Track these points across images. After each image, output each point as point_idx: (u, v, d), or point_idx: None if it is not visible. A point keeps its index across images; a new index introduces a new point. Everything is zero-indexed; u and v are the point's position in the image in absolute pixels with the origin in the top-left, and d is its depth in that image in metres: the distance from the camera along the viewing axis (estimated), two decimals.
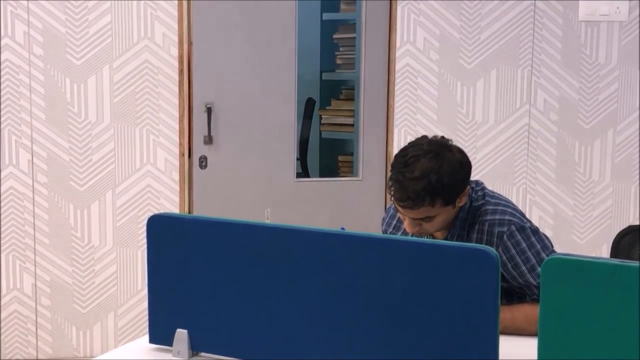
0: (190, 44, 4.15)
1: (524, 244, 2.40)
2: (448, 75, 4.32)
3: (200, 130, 4.22)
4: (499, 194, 2.57)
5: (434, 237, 2.53)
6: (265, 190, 4.34)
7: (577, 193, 4.35)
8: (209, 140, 4.23)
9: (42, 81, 4.07)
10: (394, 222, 2.66)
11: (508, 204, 2.51)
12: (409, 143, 2.46)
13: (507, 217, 2.43)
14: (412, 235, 2.55)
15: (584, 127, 4.32)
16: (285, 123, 4.36)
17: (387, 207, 2.81)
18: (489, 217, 2.44)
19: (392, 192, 2.39)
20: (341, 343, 1.94)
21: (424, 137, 2.48)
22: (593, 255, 4.10)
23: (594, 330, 1.67)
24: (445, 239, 2.48)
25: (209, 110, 4.20)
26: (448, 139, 2.47)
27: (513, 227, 2.41)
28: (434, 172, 2.34)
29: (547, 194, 4.36)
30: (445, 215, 2.42)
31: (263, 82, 4.31)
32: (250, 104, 4.31)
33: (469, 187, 2.45)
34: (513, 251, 2.40)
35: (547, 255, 2.36)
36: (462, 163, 2.42)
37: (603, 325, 1.66)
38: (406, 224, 2.44)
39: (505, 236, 2.40)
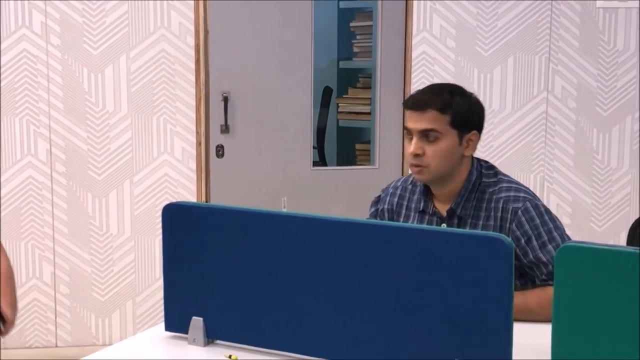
0: (206, 32, 4.15)
1: (537, 220, 2.43)
2: (465, 63, 4.31)
3: (217, 119, 4.23)
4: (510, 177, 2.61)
5: (446, 224, 2.53)
6: (282, 178, 4.35)
7: (595, 180, 4.33)
8: (225, 129, 4.23)
9: (59, 71, 4.09)
10: (396, 199, 2.65)
11: (521, 184, 2.55)
12: None
13: (521, 195, 2.48)
14: (412, 166, 2.50)
15: (602, 114, 4.29)
16: (302, 111, 4.36)
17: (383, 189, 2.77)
18: (503, 194, 2.48)
19: (406, 106, 2.50)
20: (355, 330, 1.94)
21: None
22: (611, 242, 4.09)
23: (608, 318, 1.67)
24: (450, 209, 2.49)
25: (225, 99, 4.21)
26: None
27: (528, 204, 2.45)
28: (450, 89, 2.51)
29: (565, 181, 4.34)
30: (448, 144, 2.45)
31: (280, 70, 4.31)
32: (267, 92, 4.31)
33: (478, 136, 2.51)
34: (527, 226, 2.43)
35: (559, 235, 2.40)
36: (478, 104, 2.57)
37: (617, 314, 1.66)
38: (412, 143, 2.45)
39: (520, 211, 2.44)
